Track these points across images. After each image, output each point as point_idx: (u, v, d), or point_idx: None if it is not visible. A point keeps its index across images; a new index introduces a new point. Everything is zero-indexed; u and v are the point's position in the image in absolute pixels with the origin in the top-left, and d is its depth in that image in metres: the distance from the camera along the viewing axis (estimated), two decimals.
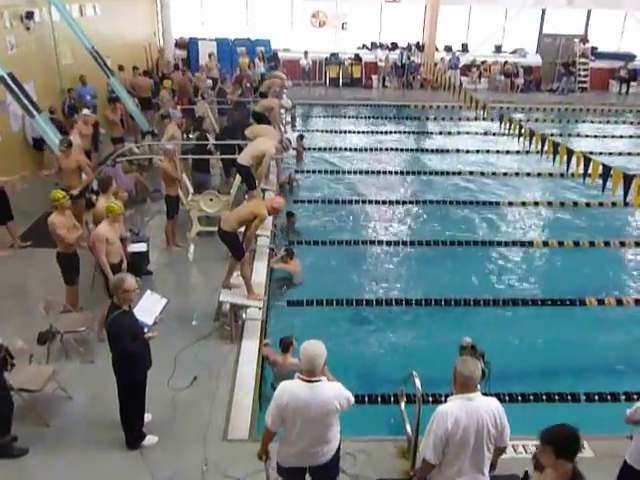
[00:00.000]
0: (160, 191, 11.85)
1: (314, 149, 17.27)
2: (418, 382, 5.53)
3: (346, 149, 17.46)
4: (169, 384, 6.62)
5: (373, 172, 15.48)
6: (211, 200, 10.66)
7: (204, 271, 9.39)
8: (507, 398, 6.97)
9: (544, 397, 7.17)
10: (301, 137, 16.80)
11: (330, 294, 9.26)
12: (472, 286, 9.87)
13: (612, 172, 8.79)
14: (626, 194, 8.28)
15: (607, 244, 11.44)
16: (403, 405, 6.37)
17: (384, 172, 15.50)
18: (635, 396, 6.94)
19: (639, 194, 7.88)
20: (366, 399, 6.97)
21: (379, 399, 7.01)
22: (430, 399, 6.60)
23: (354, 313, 9.00)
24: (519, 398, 7.10)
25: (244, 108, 15.62)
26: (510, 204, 13.56)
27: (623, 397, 7.10)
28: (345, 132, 19.48)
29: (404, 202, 13.48)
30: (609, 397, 7.13)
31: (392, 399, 6.87)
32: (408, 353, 8.00)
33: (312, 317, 8.76)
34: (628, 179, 8.33)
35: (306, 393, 4.26)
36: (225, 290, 7.97)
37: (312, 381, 4.28)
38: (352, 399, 4.44)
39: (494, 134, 19.18)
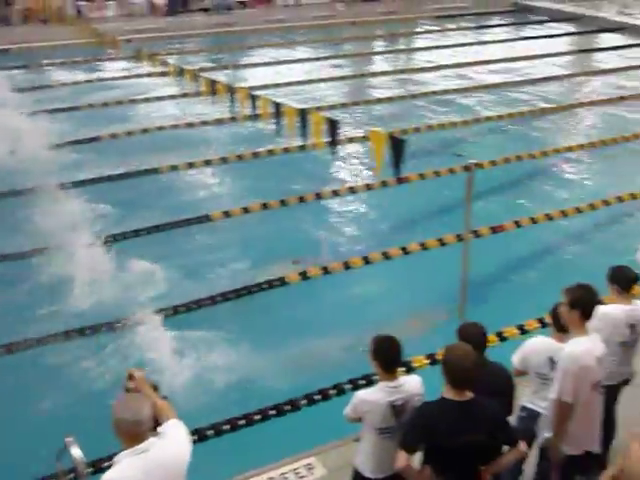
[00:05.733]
0: None
1: None
2: (78, 451, 5.30)
3: None
4: None
5: None
6: None
7: None
8: None
9: None
10: None
11: None
12: None
13: (284, 109, 9.57)
14: (305, 134, 9.10)
15: (302, 199, 12.54)
16: None
17: None
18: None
19: (318, 132, 8.73)
20: None
21: None
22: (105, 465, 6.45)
23: None
24: None
25: None
26: (174, 169, 13.86)
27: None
28: None
29: None
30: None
31: None
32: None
33: None
34: (304, 115, 9.16)
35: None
36: None
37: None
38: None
39: (138, 76, 19.41)
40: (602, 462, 6.17)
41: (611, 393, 5.91)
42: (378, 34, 27.10)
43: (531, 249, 11.34)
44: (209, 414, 7.63)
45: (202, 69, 19.23)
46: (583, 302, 5.21)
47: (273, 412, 7.66)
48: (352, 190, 13.13)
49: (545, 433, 5.42)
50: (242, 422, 7.54)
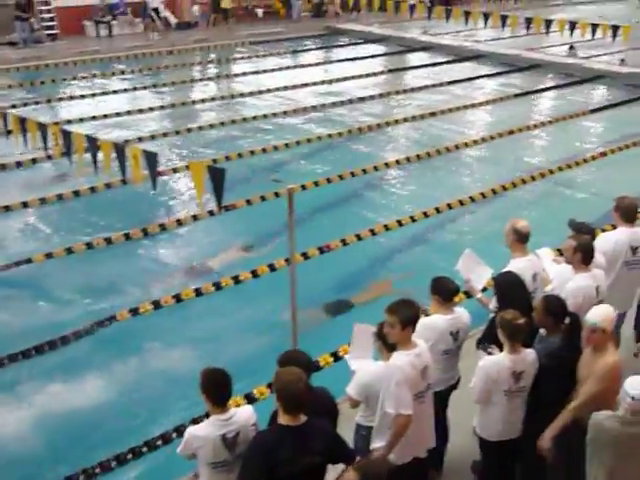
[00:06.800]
0: None
1: None
2: None
3: None
4: None
5: None
6: None
7: None
8: None
9: None
10: None
11: None
12: None
13: (99, 143, 9.30)
14: (123, 169, 8.87)
15: (128, 237, 12.28)
16: None
17: None
18: None
19: (137, 166, 8.53)
20: None
21: None
22: None
23: None
24: None
25: None
26: None
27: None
28: None
29: None
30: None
31: None
32: None
33: None
34: (120, 149, 8.95)
35: None
36: None
37: None
38: None
39: None
40: (436, 464, 6.49)
41: (440, 398, 6.18)
42: (195, 62, 27.06)
43: (359, 265, 11.67)
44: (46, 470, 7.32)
45: (13, 106, 18.48)
46: (414, 318, 5.44)
47: (115, 463, 7.44)
48: (179, 222, 12.95)
49: (375, 443, 5.56)
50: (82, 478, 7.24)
